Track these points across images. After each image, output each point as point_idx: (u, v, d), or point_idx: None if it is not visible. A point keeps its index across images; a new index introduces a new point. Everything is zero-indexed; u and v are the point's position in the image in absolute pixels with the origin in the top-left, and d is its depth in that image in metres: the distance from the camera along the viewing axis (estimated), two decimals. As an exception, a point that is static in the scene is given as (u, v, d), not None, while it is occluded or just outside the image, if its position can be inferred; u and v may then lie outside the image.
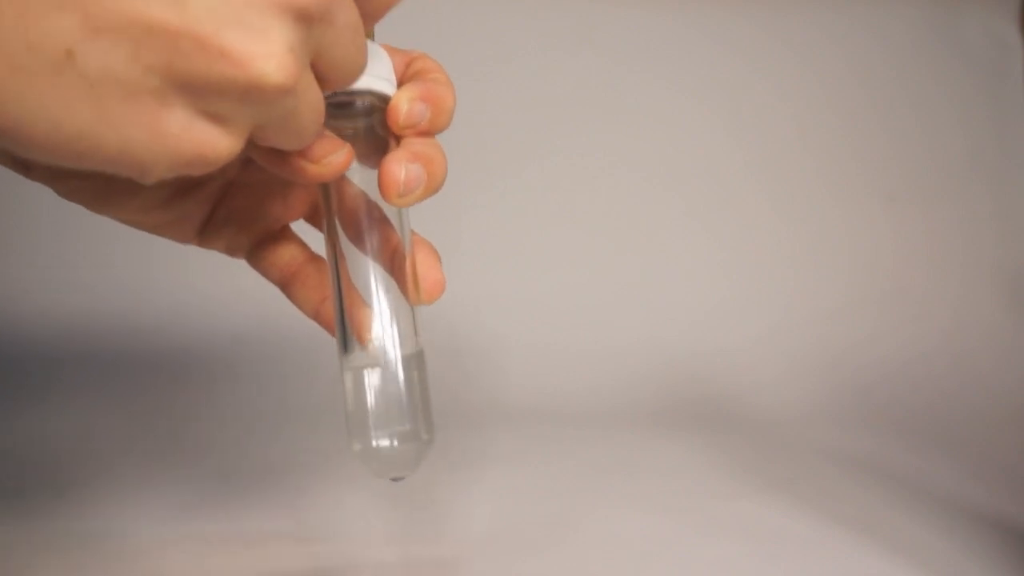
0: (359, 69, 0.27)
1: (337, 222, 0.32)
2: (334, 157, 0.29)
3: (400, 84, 0.32)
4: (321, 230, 0.34)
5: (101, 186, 0.31)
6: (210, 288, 0.70)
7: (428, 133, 0.32)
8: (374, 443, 0.31)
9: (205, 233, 0.35)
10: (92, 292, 0.74)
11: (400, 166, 0.30)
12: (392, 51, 0.33)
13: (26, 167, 0.30)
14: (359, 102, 0.31)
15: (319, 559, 0.40)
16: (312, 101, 0.25)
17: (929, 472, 0.57)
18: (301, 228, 0.37)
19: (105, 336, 0.71)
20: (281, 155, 0.28)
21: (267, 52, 0.22)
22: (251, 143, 0.25)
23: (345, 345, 0.32)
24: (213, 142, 0.23)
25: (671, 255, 0.83)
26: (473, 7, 0.83)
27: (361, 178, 0.32)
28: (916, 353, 0.78)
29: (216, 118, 0.23)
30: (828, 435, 0.66)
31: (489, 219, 0.81)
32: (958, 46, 0.90)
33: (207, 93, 0.22)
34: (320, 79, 0.26)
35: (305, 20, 0.23)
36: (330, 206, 0.33)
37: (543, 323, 0.78)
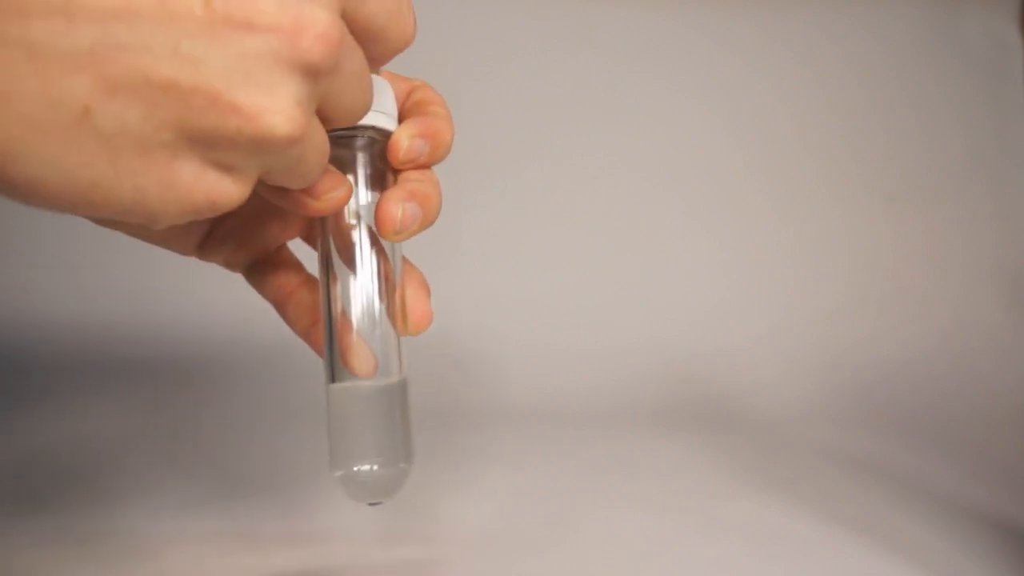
0: (364, 110, 0.28)
1: (332, 249, 0.33)
2: (334, 193, 0.30)
3: (401, 113, 0.33)
4: (316, 249, 0.34)
5: None
6: (211, 290, 0.70)
7: (426, 167, 0.33)
8: (355, 469, 0.32)
9: (205, 248, 0.36)
10: (95, 295, 0.74)
11: (397, 205, 0.31)
12: (394, 78, 0.34)
13: None
14: (360, 137, 0.32)
15: (317, 559, 0.40)
16: (318, 145, 0.26)
17: (929, 472, 0.57)
18: (294, 246, 0.38)
19: (108, 338, 0.71)
20: (283, 189, 0.29)
21: (276, 107, 0.23)
22: (258, 182, 0.26)
23: (332, 370, 0.33)
24: (223, 190, 0.24)
25: (671, 255, 0.83)
26: (473, 7, 0.83)
27: (358, 205, 0.33)
28: (916, 353, 0.78)
29: (226, 168, 0.23)
30: (828, 435, 0.66)
31: (489, 219, 0.81)
32: (958, 46, 0.90)
33: (218, 145, 0.23)
34: (325, 120, 0.26)
35: (312, 75, 0.23)
36: (326, 233, 0.33)
37: (543, 323, 0.78)
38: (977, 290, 0.84)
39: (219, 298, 0.70)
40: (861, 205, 0.86)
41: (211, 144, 0.23)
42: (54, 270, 0.74)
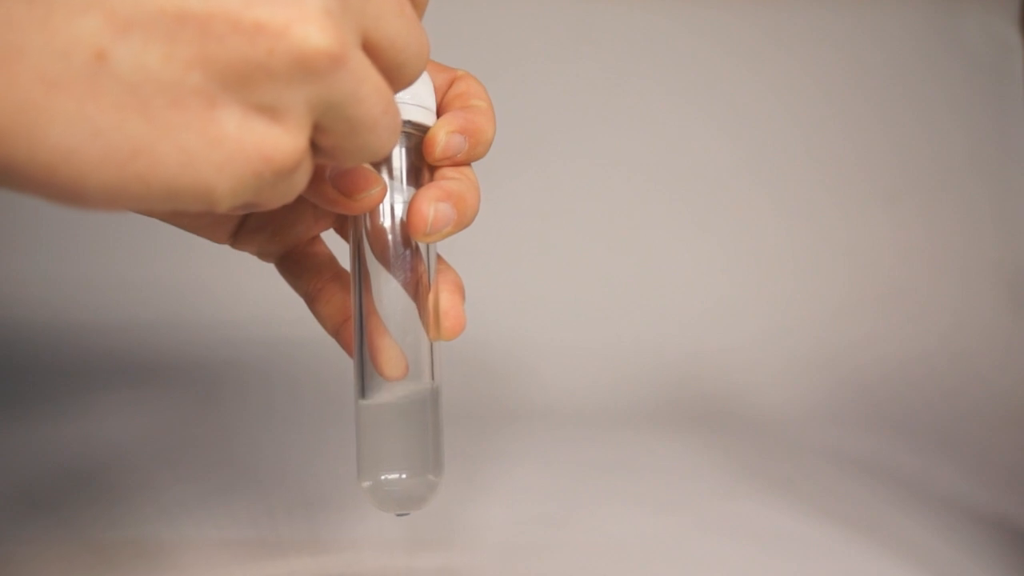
0: (421, 49, 0.24)
1: (365, 246, 0.32)
2: (369, 192, 0.29)
3: (441, 106, 0.32)
4: (348, 241, 0.34)
5: None
6: (220, 289, 0.70)
7: (463, 164, 0.32)
8: (382, 479, 0.31)
9: (239, 236, 0.35)
10: (101, 295, 0.74)
11: (429, 205, 0.30)
12: (436, 68, 0.33)
13: None
14: None
15: (340, 566, 0.40)
16: (375, 84, 0.22)
17: (929, 472, 0.57)
18: (327, 236, 0.37)
19: (115, 339, 0.71)
20: (317, 184, 0.28)
21: (302, 16, 0.20)
22: (318, 151, 0.23)
23: (362, 374, 0.32)
24: (274, 140, 0.21)
25: (672, 256, 0.83)
26: (473, 7, 0.83)
27: (392, 202, 0.32)
28: (916, 353, 0.78)
29: (271, 112, 0.21)
30: (828, 435, 0.66)
31: (487, 220, 0.81)
32: (958, 46, 0.90)
33: (254, 80, 0.20)
34: (385, 71, 0.23)
35: None
36: (358, 229, 0.32)
37: (543, 324, 0.78)
38: (977, 290, 0.84)
39: (228, 297, 0.70)
40: (861, 205, 0.86)
41: (246, 79, 0.20)
42: (57, 270, 0.74)
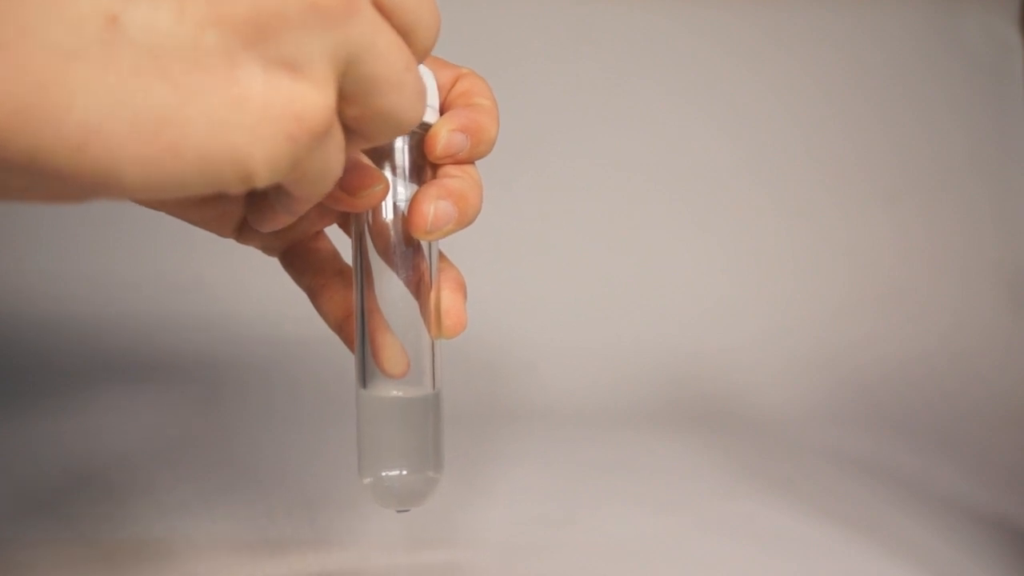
0: (431, 17, 0.24)
1: (368, 243, 0.32)
2: (371, 190, 0.29)
3: (445, 104, 0.32)
4: (351, 236, 0.34)
5: None
6: (223, 287, 0.70)
7: (466, 163, 0.32)
8: (383, 475, 0.31)
9: (242, 231, 0.35)
10: (114, 298, 0.74)
11: (430, 203, 0.30)
12: (440, 65, 0.33)
13: None
14: None
15: (340, 564, 0.40)
16: (393, 39, 0.22)
17: (929, 472, 0.57)
18: (331, 232, 0.37)
19: (126, 342, 0.71)
20: None
21: None
22: (347, 130, 0.23)
23: (364, 370, 0.32)
24: (302, 95, 0.20)
25: (672, 256, 0.83)
26: (473, 7, 0.83)
27: (394, 200, 0.32)
28: (916, 353, 0.78)
29: (292, 66, 0.20)
30: (828, 435, 0.66)
31: (488, 219, 0.81)
32: (958, 46, 0.90)
33: (269, 30, 0.20)
34: (401, 32, 0.23)
35: None
36: (360, 226, 0.32)
37: (543, 324, 0.78)
38: (977, 290, 0.84)
39: (229, 296, 0.70)
40: (861, 205, 0.86)
41: (262, 31, 0.19)
42: (57, 267, 0.74)
